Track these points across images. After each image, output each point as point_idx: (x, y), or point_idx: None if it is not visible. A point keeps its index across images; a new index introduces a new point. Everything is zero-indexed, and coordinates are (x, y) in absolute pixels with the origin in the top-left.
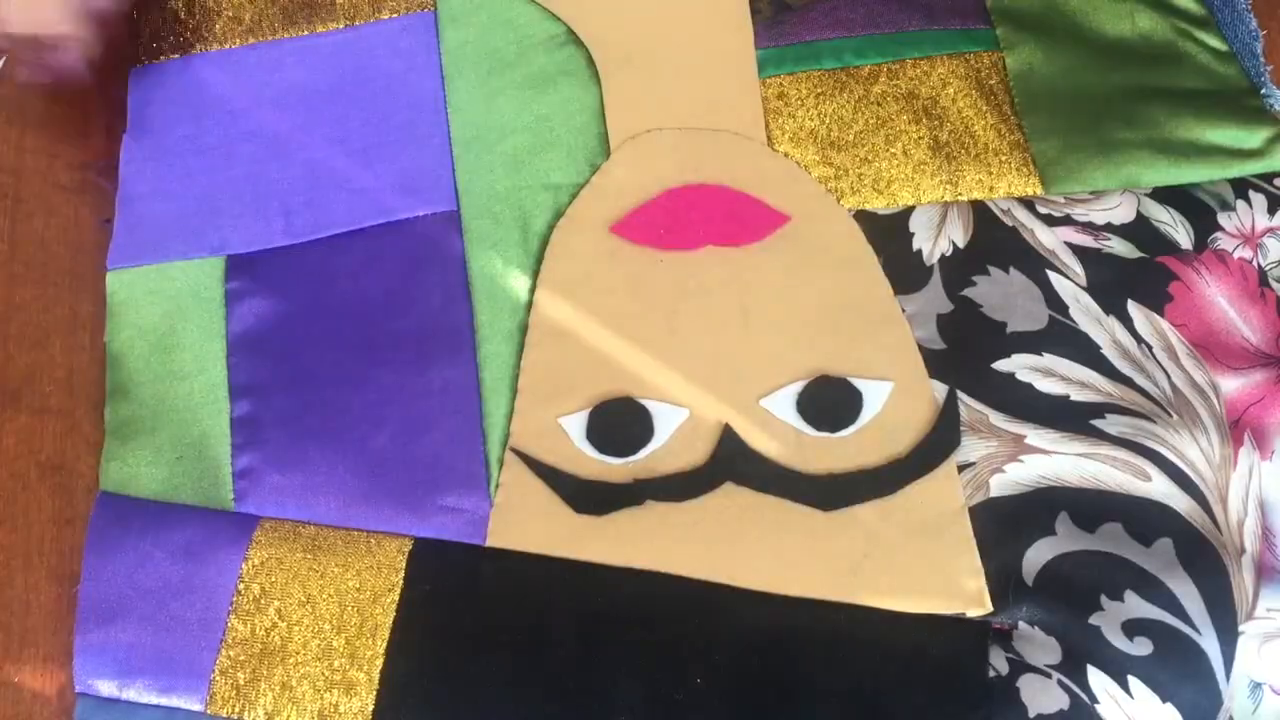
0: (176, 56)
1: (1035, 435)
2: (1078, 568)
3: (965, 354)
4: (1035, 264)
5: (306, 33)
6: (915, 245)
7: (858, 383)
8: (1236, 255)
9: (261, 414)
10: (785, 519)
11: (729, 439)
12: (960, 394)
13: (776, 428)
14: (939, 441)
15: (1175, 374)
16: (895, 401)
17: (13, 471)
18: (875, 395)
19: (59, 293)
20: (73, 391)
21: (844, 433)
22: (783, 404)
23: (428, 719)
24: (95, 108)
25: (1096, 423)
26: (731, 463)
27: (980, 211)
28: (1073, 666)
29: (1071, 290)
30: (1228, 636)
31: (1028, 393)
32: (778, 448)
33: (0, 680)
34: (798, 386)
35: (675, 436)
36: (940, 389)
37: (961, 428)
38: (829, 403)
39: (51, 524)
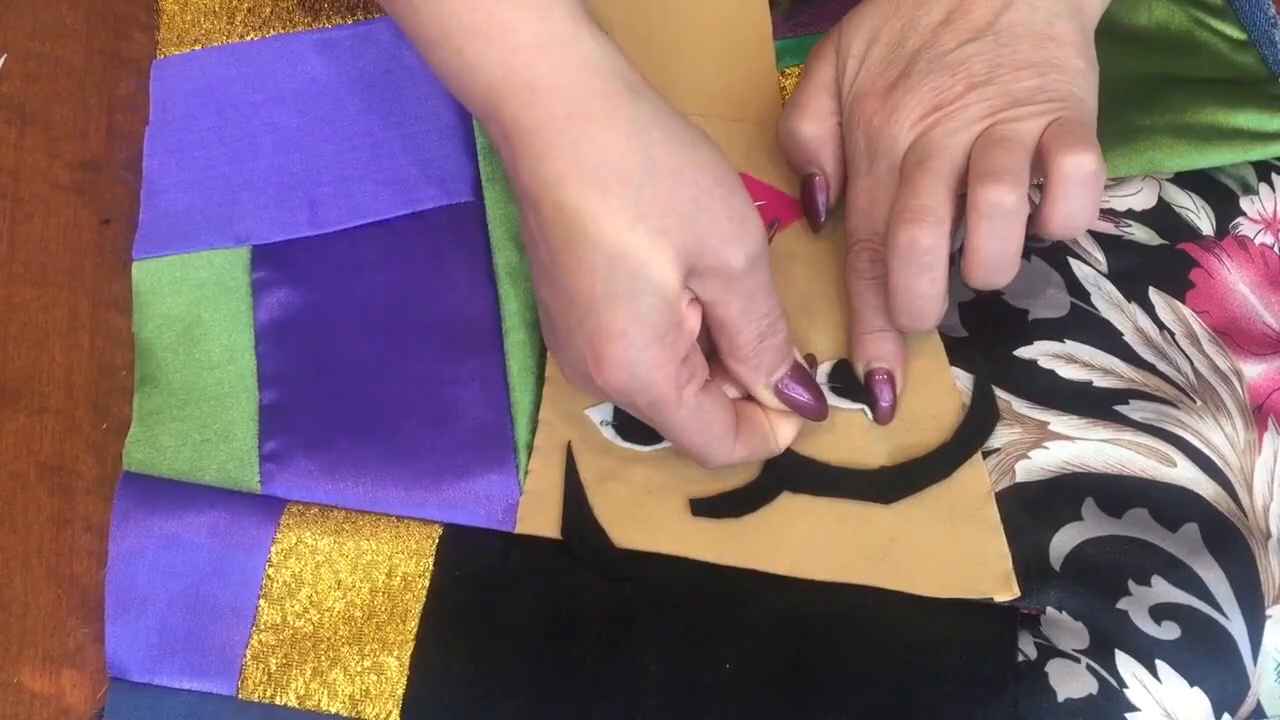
0: (198, 49)
1: (1059, 422)
2: (1105, 553)
3: (987, 341)
4: (1056, 251)
5: (327, 25)
6: None
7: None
8: (1258, 241)
9: (290, 401)
10: (814, 506)
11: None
12: None
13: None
14: (979, 421)
15: (1198, 360)
16: (916, 388)
17: (11, 472)
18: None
19: (58, 293)
20: (71, 392)
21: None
22: None
23: (458, 704)
24: (95, 108)
25: (1120, 409)
26: (784, 472)
27: None
28: (1101, 651)
29: (1093, 277)
30: (1255, 620)
31: (1050, 380)
32: (808, 439)
33: (0, 681)
34: (826, 368)
35: None
36: (961, 376)
37: None
38: (855, 381)
39: (50, 524)
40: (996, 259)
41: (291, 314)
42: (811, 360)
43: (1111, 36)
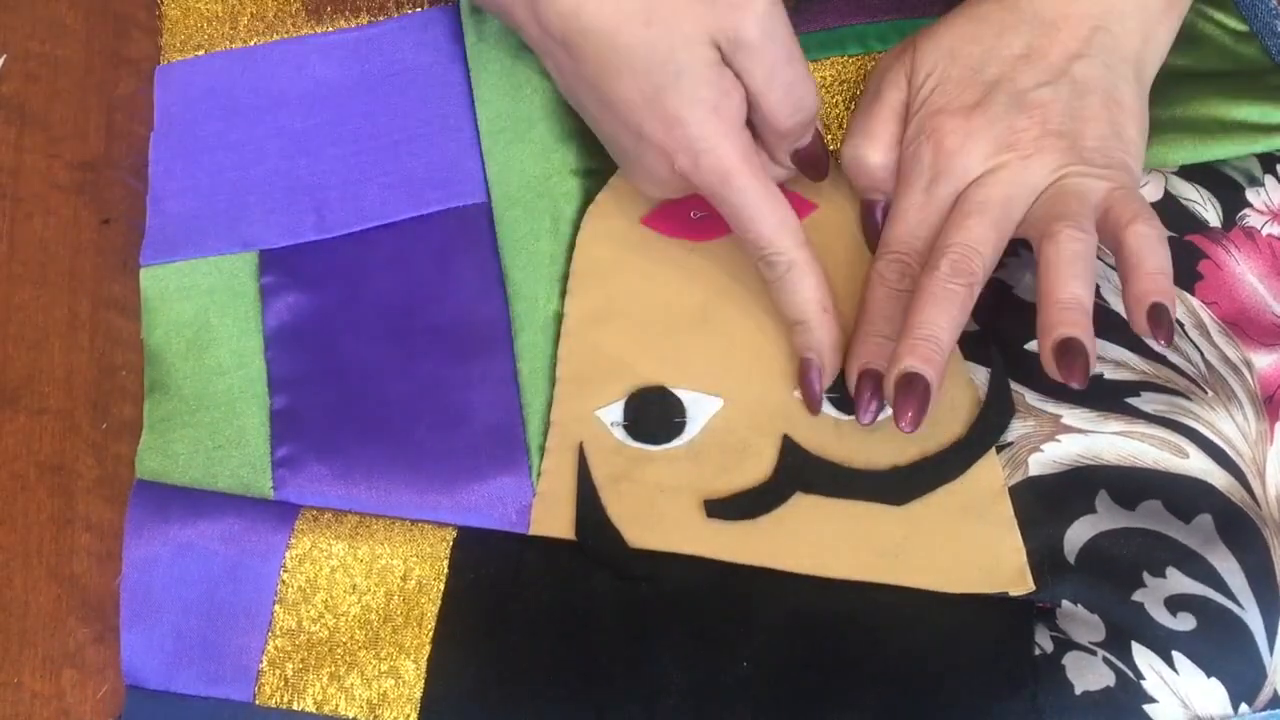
0: (201, 54)
1: (1071, 415)
2: (1119, 545)
3: (998, 335)
4: None
5: (331, 28)
6: None
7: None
8: (1265, 232)
9: (301, 406)
10: (828, 505)
11: (790, 450)
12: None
13: (815, 418)
14: (995, 416)
15: (1209, 351)
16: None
17: (11, 472)
18: None
19: (58, 293)
20: (71, 392)
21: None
22: None
23: (476, 706)
24: (95, 108)
25: (1132, 401)
26: (798, 474)
27: None
28: (1117, 643)
29: (1102, 269)
30: (1270, 610)
31: None
32: (809, 437)
33: (0, 681)
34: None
35: (713, 427)
36: (974, 369)
37: None
38: None
39: (50, 524)
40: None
41: (300, 318)
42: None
43: None
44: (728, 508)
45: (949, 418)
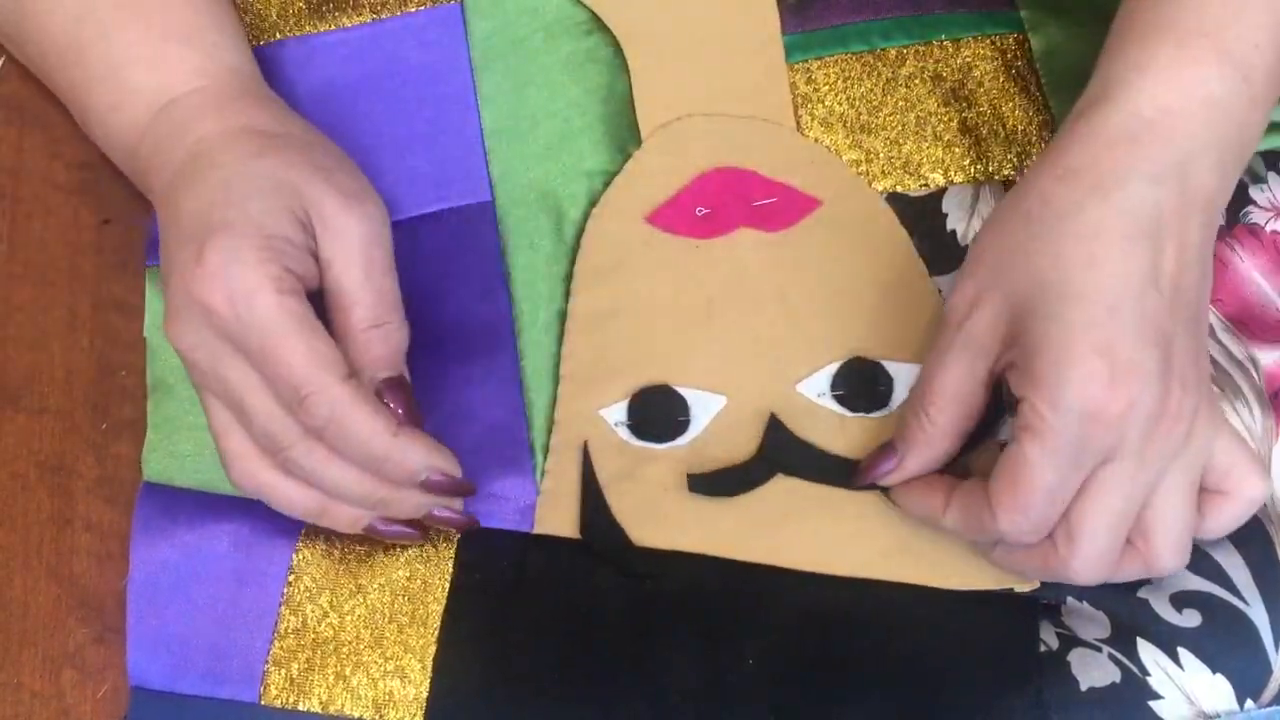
0: None
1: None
2: None
3: None
4: None
5: (333, 28)
6: (949, 226)
7: (890, 366)
8: (1269, 229)
9: None
10: (830, 499)
11: (775, 430)
12: None
13: (816, 413)
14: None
15: (1214, 348)
16: None
17: (11, 472)
18: (907, 378)
19: (58, 293)
20: (71, 392)
21: (879, 413)
22: (818, 387)
23: (482, 706)
24: None
25: None
26: (781, 454)
27: None
28: (1123, 640)
29: None
30: (1275, 606)
31: None
32: (820, 433)
33: (0, 681)
34: (832, 369)
35: (716, 426)
36: None
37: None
38: (862, 384)
39: (50, 524)
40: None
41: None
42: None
43: None
44: (710, 483)
45: None
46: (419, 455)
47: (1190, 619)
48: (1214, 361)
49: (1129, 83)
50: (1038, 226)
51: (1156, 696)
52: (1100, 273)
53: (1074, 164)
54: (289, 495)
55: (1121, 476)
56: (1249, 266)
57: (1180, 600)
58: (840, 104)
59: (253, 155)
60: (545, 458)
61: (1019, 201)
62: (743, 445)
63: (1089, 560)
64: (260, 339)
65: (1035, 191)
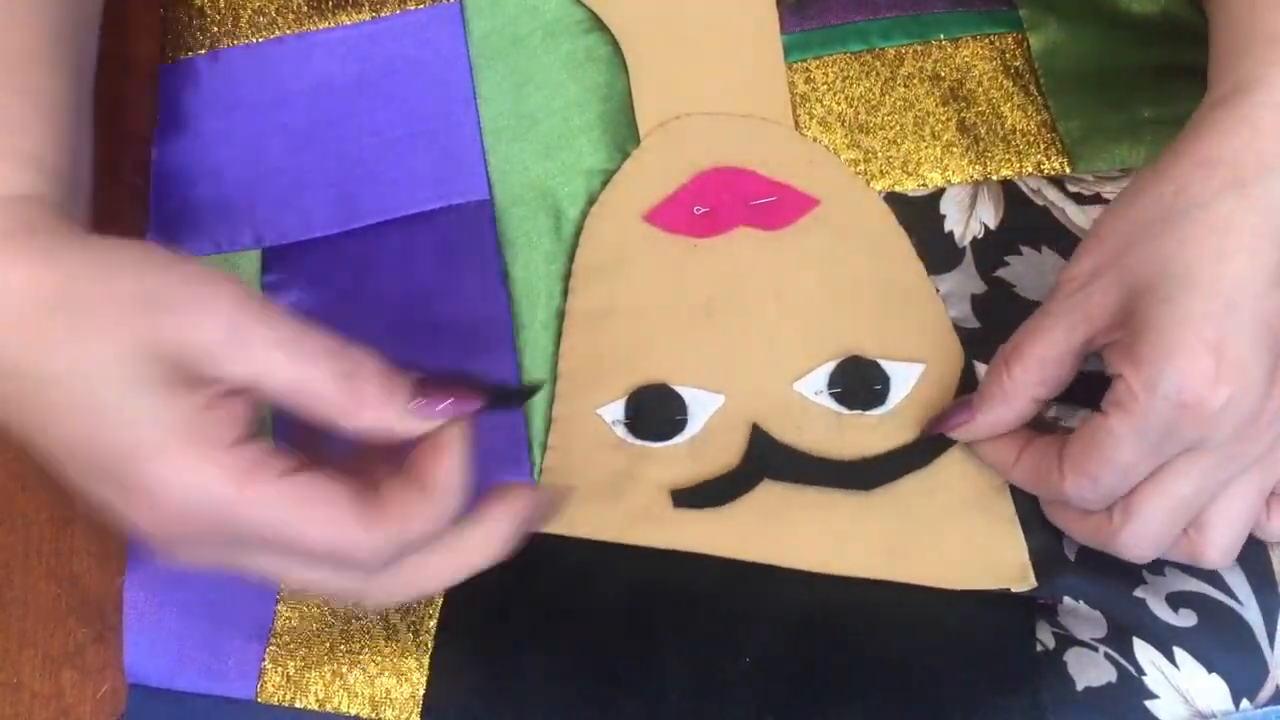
0: (203, 53)
1: (1070, 414)
2: None
3: (1000, 333)
4: (1067, 242)
5: (333, 25)
6: (947, 227)
7: (887, 365)
8: None
9: None
10: (826, 500)
11: (759, 438)
12: None
13: (812, 411)
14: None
15: None
16: (928, 381)
17: (11, 472)
18: (905, 377)
19: None
20: None
21: (875, 412)
22: (814, 386)
23: (478, 704)
24: (96, 108)
25: None
26: (765, 460)
27: (1011, 192)
28: (1119, 639)
29: None
30: (1269, 607)
31: None
32: (813, 434)
33: (0, 681)
34: (829, 367)
35: (714, 425)
36: (978, 368)
37: None
38: (859, 383)
39: (50, 524)
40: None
41: (304, 316)
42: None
43: (1118, 26)
44: (695, 496)
45: (930, 409)
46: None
47: (1186, 619)
48: None
49: (1272, 79)
50: (1169, 211)
51: (1153, 696)
52: (1226, 267)
53: (1213, 154)
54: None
55: (1198, 469)
56: None
57: (1176, 600)
58: (839, 103)
59: (76, 345)
60: (543, 456)
61: (1151, 185)
62: (735, 448)
63: (1139, 539)
64: (265, 537)
65: (1170, 177)
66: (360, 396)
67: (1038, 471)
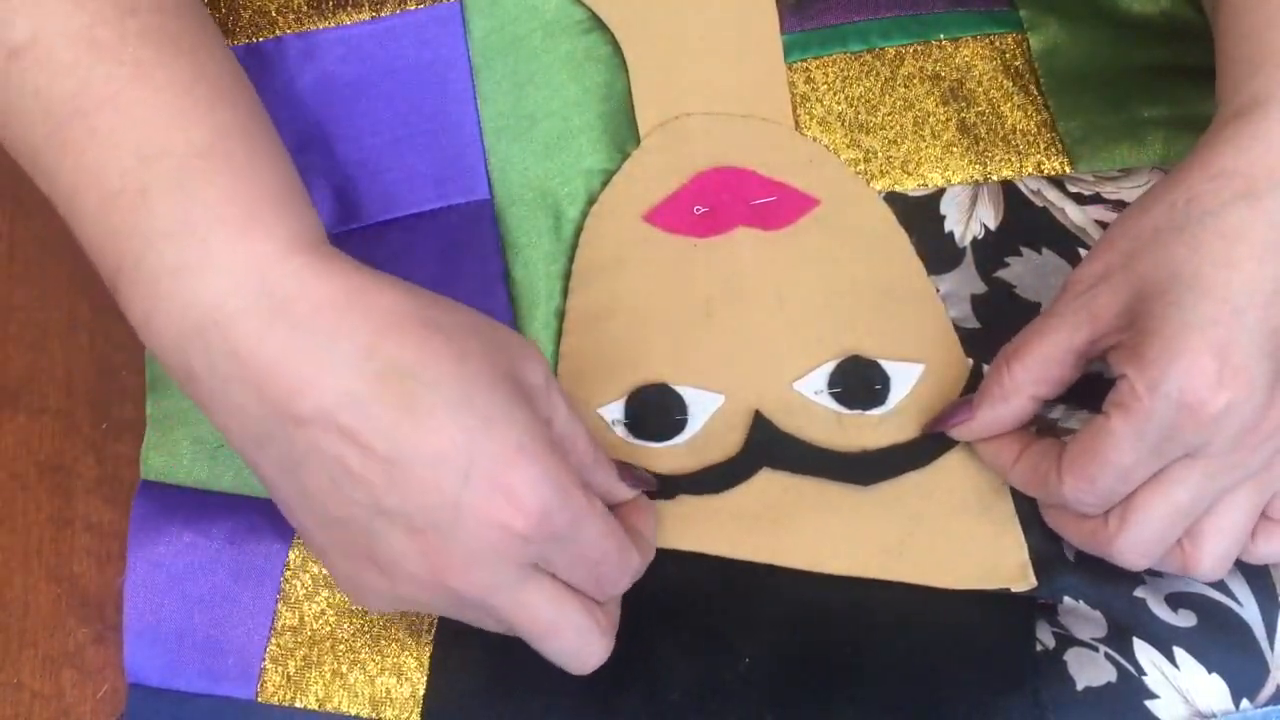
0: None
1: (1070, 414)
2: None
3: (1000, 334)
4: (1067, 243)
5: (333, 25)
6: (947, 228)
7: (887, 365)
8: None
9: None
10: (826, 499)
11: (760, 425)
12: None
13: (812, 410)
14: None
15: None
16: (928, 380)
17: (11, 472)
18: (905, 377)
19: (57, 293)
20: (71, 392)
21: (875, 412)
22: (814, 385)
23: (478, 703)
24: None
25: None
26: (765, 449)
27: (1010, 192)
28: (1119, 639)
29: None
30: (1269, 607)
31: None
32: (813, 433)
33: (0, 681)
34: (829, 367)
35: (714, 424)
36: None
37: None
38: (858, 382)
39: (50, 524)
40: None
41: None
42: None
43: (1118, 26)
44: (692, 482)
45: (929, 409)
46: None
47: (1186, 619)
48: None
49: None
50: (1181, 219)
51: (1153, 696)
52: (1235, 274)
53: (1228, 166)
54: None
55: (1196, 475)
56: None
57: (1176, 600)
58: (839, 103)
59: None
60: None
61: (1165, 194)
62: (735, 446)
63: (1134, 545)
64: (585, 551)
65: (1184, 187)
66: (600, 455)
67: (1036, 473)
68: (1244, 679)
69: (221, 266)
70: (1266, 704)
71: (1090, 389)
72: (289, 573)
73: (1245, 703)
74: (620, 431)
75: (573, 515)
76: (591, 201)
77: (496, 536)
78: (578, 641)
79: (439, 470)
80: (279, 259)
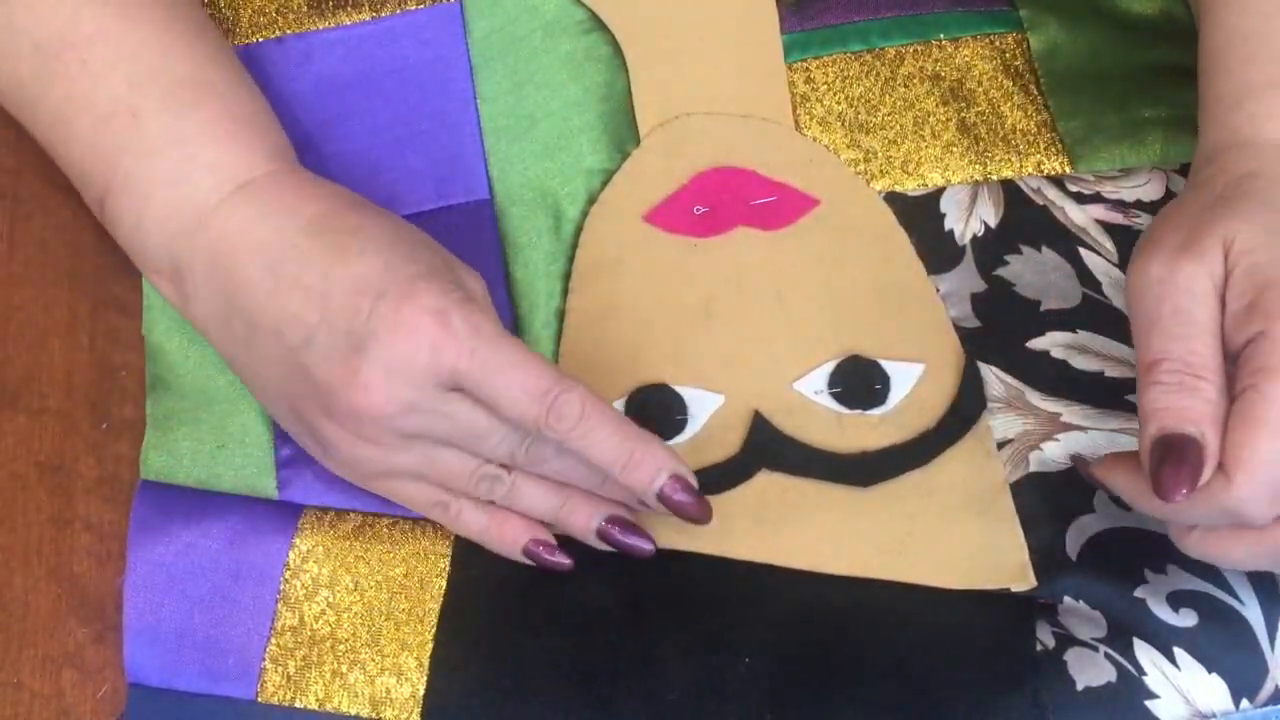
0: None
1: (1071, 412)
2: (1119, 542)
3: (1000, 332)
4: (1067, 242)
5: (333, 25)
6: (947, 226)
7: (887, 365)
8: None
9: None
10: (826, 499)
11: (760, 426)
12: (997, 372)
13: (812, 410)
14: (963, 408)
15: None
16: (928, 380)
17: (11, 472)
18: (904, 377)
19: (57, 293)
20: (71, 392)
21: (875, 412)
22: (814, 385)
23: (478, 703)
24: None
25: (1132, 398)
26: (764, 450)
27: (1010, 191)
28: (1119, 639)
29: (1103, 267)
30: (1270, 606)
31: (1063, 370)
32: (813, 433)
33: (0, 681)
34: (829, 367)
35: (711, 424)
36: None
37: (999, 404)
38: (859, 382)
39: (50, 524)
40: None
41: None
42: None
43: (1117, 26)
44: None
45: (931, 411)
46: (661, 454)
47: (1186, 619)
48: None
49: None
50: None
51: (1153, 696)
52: None
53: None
54: (534, 497)
55: None
56: None
57: (1176, 600)
58: (839, 103)
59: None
60: None
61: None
62: (735, 446)
63: None
64: (497, 359)
65: (1222, 173)
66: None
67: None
68: (1244, 679)
69: (209, 170)
70: (1266, 704)
71: (1093, 389)
72: (289, 573)
73: (1245, 703)
74: None
75: (484, 343)
76: (591, 201)
77: (408, 344)
78: (426, 506)
79: (359, 294)
80: (259, 165)
